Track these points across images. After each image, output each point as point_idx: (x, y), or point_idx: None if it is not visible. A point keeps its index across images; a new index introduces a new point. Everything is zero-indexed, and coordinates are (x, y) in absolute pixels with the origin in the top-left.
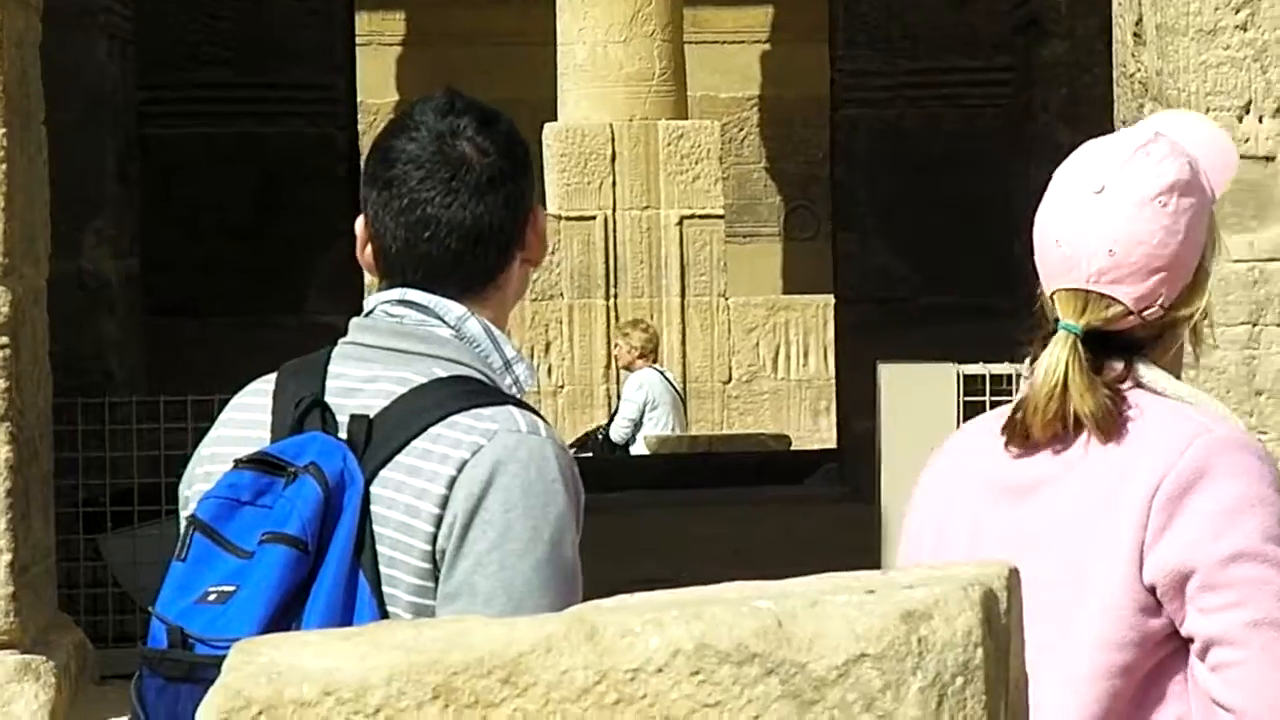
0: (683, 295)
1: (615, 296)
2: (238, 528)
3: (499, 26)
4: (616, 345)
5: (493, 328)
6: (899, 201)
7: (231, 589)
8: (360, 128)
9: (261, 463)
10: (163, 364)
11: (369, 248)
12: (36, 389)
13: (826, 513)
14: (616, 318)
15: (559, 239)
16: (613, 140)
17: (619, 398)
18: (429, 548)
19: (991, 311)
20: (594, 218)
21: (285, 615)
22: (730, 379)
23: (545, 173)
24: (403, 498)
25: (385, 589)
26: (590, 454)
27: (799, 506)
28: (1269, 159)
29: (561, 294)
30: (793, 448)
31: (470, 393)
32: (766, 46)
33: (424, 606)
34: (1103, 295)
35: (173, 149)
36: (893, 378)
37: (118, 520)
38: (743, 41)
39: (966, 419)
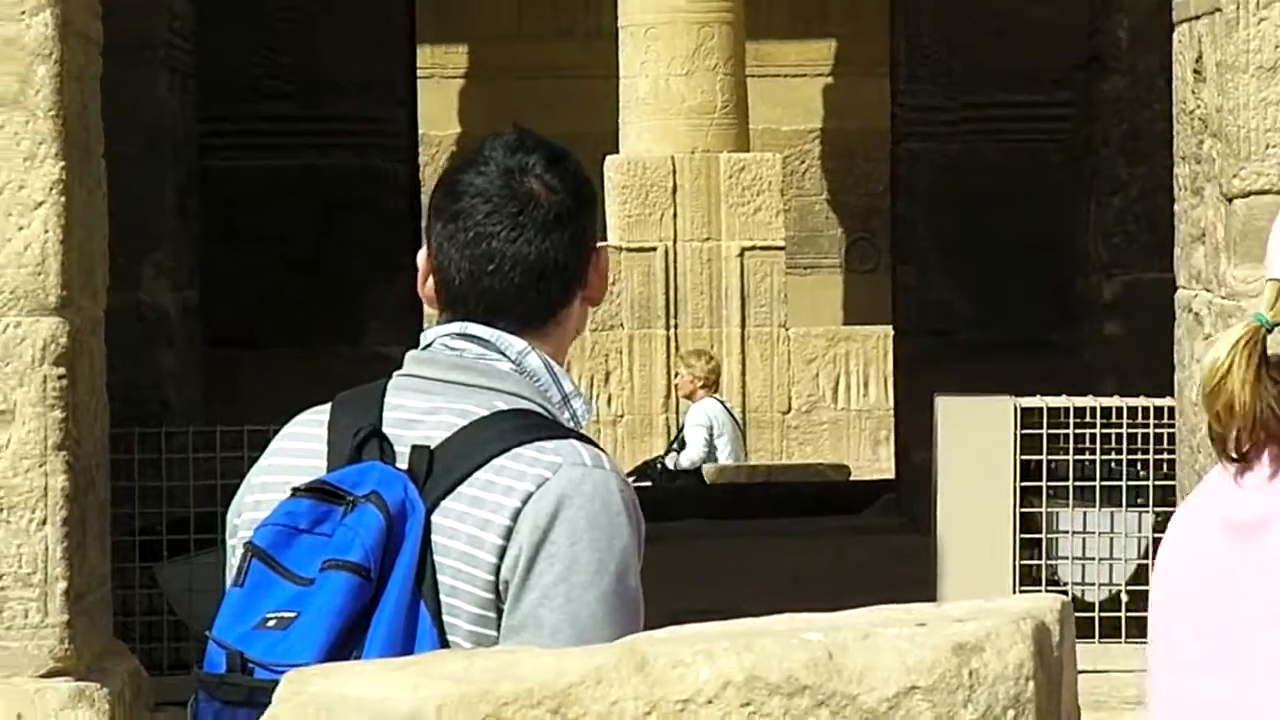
0: (743, 326)
1: (675, 327)
2: (295, 555)
3: (562, 60)
4: (678, 374)
5: (552, 362)
6: (959, 236)
7: (292, 615)
8: (422, 160)
9: (319, 491)
10: (221, 394)
11: (430, 280)
12: (93, 419)
13: (884, 543)
14: (676, 348)
15: (620, 270)
16: (674, 172)
17: (679, 427)
18: (492, 578)
19: (1052, 347)
20: (655, 249)
21: (347, 642)
22: (790, 409)
23: (607, 204)
24: (465, 528)
25: (446, 618)
26: (649, 483)
27: (857, 537)
28: None
29: (622, 324)
30: (852, 478)
31: (533, 425)
32: (829, 80)
33: (484, 636)
34: None
35: (233, 181)
36: (949, 410)
37: (174, 549)
38: (805, 75)
39: (1023, 452)
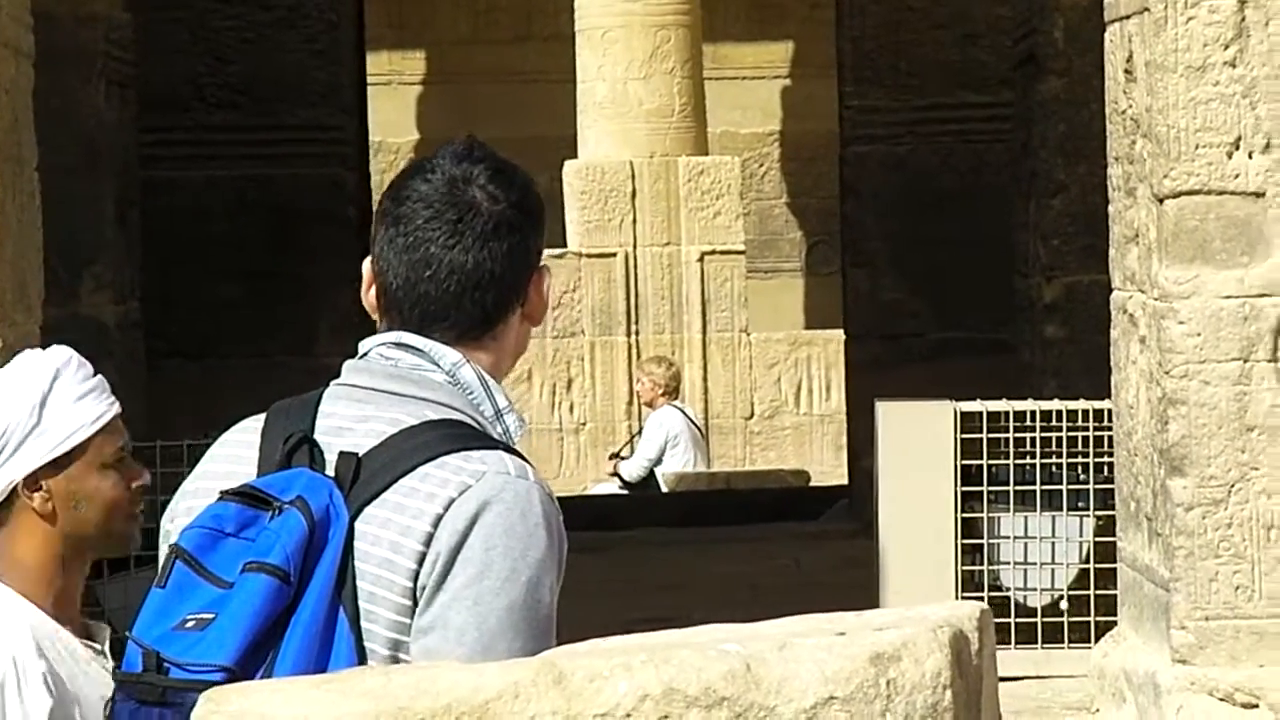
0: (704, 331)
1: (637, 333)
2: (219, 558)
3: (519, 65)
4: (639, 381)
5: (487, 377)
6: (908, 238)
7: (210, 616)
8: (380, 167)
9: (247, 496)
10: (170, 407)
11: (373, 289)
12: None
13: (838, 549)
14: (638, 354)
15: (580, 276)
16: (633, 177)
17: (640, 434)
18: (410, 584)
19: (1002, 347)
20: (615, 254)
21: (263, 645)
22: (753, 415)
23: (566, 210)
24: (387, 534)
25: (364, 624)
26: (621, 484)
27: (813, 543)
28: (1259, 195)
29: (583, 331)
30: (812, 483)
31: (461, 435)
32: (787, 82)
33: (402, 642)
34: None
35: (181, 191)
36: (890, 415)
37: (114, 565)
38: (763, 77)
39: (964, 456)
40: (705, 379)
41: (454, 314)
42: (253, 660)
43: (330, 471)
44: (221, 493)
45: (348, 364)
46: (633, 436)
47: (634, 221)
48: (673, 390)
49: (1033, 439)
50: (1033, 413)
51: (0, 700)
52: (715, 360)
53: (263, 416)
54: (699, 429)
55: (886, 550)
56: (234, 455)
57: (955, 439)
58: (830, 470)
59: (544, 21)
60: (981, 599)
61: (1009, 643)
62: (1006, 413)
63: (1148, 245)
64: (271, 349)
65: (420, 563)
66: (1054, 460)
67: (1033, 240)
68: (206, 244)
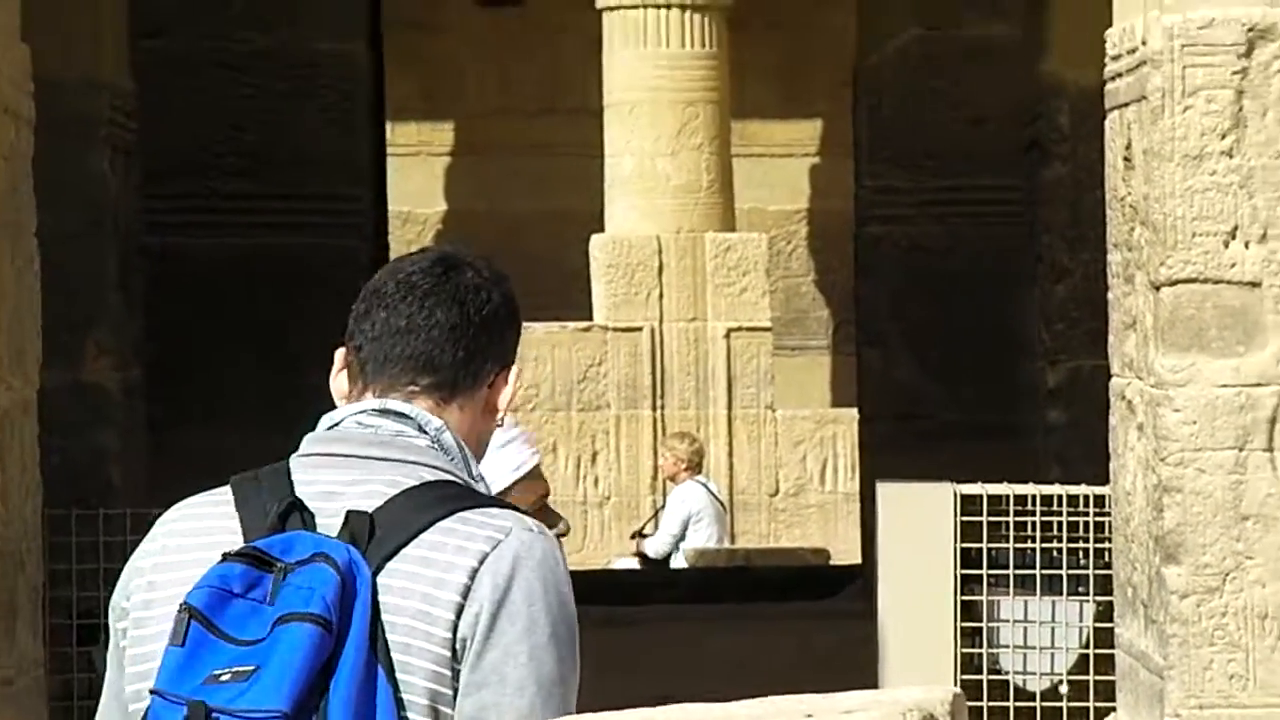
0: (729, 407)
1: (662, 408)
2: (230, 618)
3: (547, 138)
4: (662, 456)
5: (464, 444)
6: (921, 318)
7: (250, 668)
8: (408, 238)
9: (250, 557)
10: (174, 475)
11: (344, 372)
12: (23, 499)
13: (848, 628)
14: (663, 429)
15: (606, 350)
16: (660, 252)
17: (663, 509)
18: (449, 635)
19: (1013, 432)
20: (641, 329)
21: (312, 693)
22: (777, 492)
23: (592, 283)
24: (418, 587)
25: (400, 676)
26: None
27: (824, 622)
28: (1255, 284)
29: (609, 404)
30: (832, 562)
31: (468, 493)
32: (815, 160)
33: (440, 694)
34: None
35: (192, 259)
36: (890, 497)
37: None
38: (791, 155)
39: (964, 539)
40: (730, 455)
41: (429, 372)
42: (304, 707)
43: (330, 534)
44: (225, 555)
45: (313, 436)
46: (656, 512)
47: (660, 296)
48: (696, 465)
49: (1033, 523)
50: (1033, 497)
51: None
52: (740, 436)
53: (220, 492)
54: (722, 504)
55: (886, 631)
56: (203, 528)
57: (955, 522)
58: (853, 549)
59: (572, 95)
60: (981, 682)
61: None
62: (1007, 496)
63: (1145, 332)
64: (280, 419)
65: (458, 614)
66: (1055, 545)
67: (1038, 325)
68: (217, 312)
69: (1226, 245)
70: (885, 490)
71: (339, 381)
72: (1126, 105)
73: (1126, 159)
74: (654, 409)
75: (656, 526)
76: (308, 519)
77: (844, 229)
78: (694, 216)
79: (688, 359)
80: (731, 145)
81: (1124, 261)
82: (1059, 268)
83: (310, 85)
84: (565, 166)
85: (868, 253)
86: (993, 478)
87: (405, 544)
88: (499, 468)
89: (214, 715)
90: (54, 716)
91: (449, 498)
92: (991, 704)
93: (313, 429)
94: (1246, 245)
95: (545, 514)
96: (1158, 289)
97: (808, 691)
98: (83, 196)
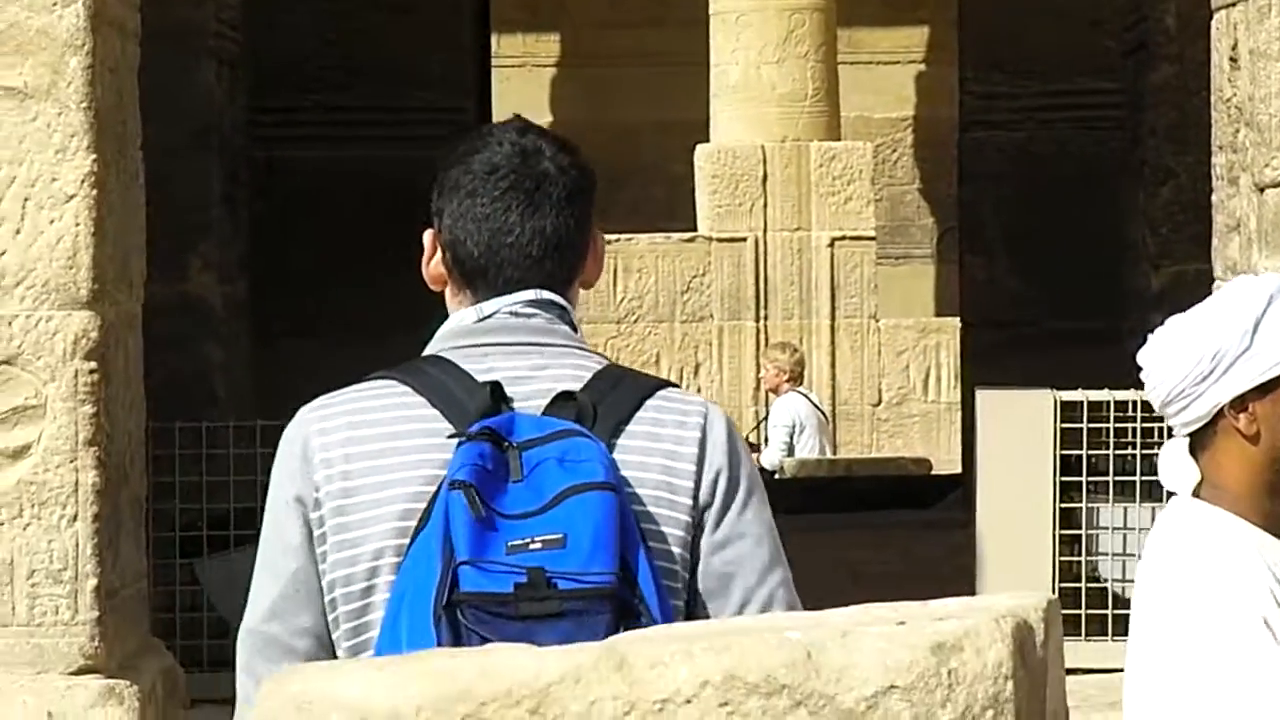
0: (833, 317)
1: (765, 319)
2: (497, 494)
3: (653, 47)
4: (764, 368)
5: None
6: (1025, 225)
7: (559, 536)
8: None
9: (488, 437)
10: (281, 385)
11: (437, 258)
12: (128, 414)
13: (948, 538)
14: (766, 340)
15: (710, 260)
16: (764, 162)
17: (766, 420)
18: (691, 501)
19: (1117, 335)
20: (745, 239)
21: (623, 556)
22: (880, 401)
23: (697, 194)
24: (654, 460)
25: (652, 544)
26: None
27: (924, 531)
28: None
29: (711, 315)
30: (934, 472)
31: (646, 374)
32: (921, 67)
33: (684, 557)
34: None
35: (299, 172)
36: (989, 404)
37: (214, 545)
38: (897, 62)
39: (1063, 446)
40: (833, 365)
41: (537, 277)
42: (625, 571)
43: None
44: (467, 435)
45: (460, 329)
46: (760, 422)
47: (764, 206)
48: (797, 376)
49: (1133, 429)
50: (1134, 402)
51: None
52: (843, 346)
53: (382, 383)
54: (824, 415)
55: (985, 540)
56: (399, 416)
57: (1055, 428)
58: (956, 459)
59: (679, 5)
60: (1080, 590)
61: (1106, 634)
62: (1107, 402)
63: (1249, 235)
64: (387, 329)
65: (697, 482)
66: (1155, 451)
67: (1142, 229)
68: (325, 225)
69: None
70: (985, 397)
71: (433, 267)
72: (1233, 5)
73: (1233, 59)
74: (757, 320)
75: (760, 436)
76: (506, 405)
77: (949, 137)
78: (799, 125)
79: (791, 269)
80: (837, 53)
81: (1228, 164)
82: (1164, 171)
83: None
84: (672, 76)
85: (971, 159)
86: (1097, 385)
87: (626, 420)
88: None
89: (551, 579)
90: (157, 627)
91: (640, 378)
92: (1090, 611)
93: (432, 334)
94: None
95: None
96: (1262, 190)
97: (906, 599)
98: (188, 109)
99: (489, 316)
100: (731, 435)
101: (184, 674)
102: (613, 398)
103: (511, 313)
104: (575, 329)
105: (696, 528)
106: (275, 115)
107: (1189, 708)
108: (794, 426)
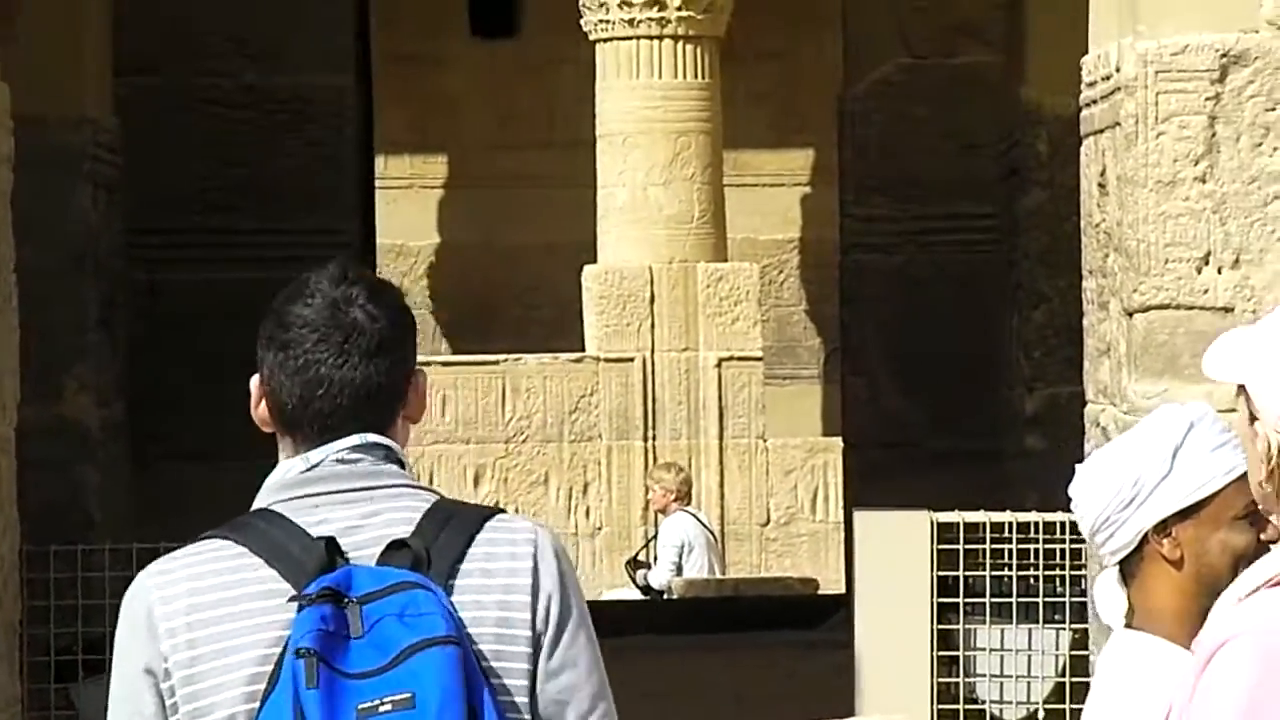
0: (721, 437)
1: (654, 438)
2: (341, 655)
3: (541, 169)
4: (650, 489)
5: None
6: (905, 346)
7: (406, 695)
8: (401, 269)
9: (329, 596)
10: (159, 509)
11: (263, 404)
12: (2, 536)
13: (831, 658)
14: (654, 459)
15: (598, 380)
16: (652, 282)
17: (655, 539)
18: (530, 633)
19: (997, 455)
20: (632, 359)
21: (470, 705)
22: (769, 521)
23: (585, 314)
24: (490, 597)
25: (493, 681)
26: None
27: (808, 651)
28: (1228, 310)
29: (600, 435)
30: (820, 591)
31: (468, 504)
32: (807, 189)
33: (527, 687)
34: None
35: (180, 295)
36: (866, 525)
37: (90, 669)
38: (783, 184)
39: (941, 567)
40: (722, 485)
41: (353, 425)
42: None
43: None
44: (304, 597)
45: (288, 480)
46: (648, 541)
47: (652, 327)
48: (684, 495)
49: (1009, 550)
50: (1010, 524)
51: None
52: (732, 466)
53: (215, 544)
54: (712, 534)
55: (864, 660)
56: (238, 579)
57: (932, 549)
58: (842, 578)
59: (566, 127)
60: (957, 711)
61: None
62: (984, 523)
63: (1119, 359)
64: (266, 452)
65: (533, 613)
66: (1032, 572)
67: (1017, 351)
68: (205, 347)
69: (1199, 271)
70: (862, 518)
71: (260, 411)
72: (1101, 131)
73: (1101, 185)
74: (645, 439)
75: (650, 555)
76: (341, 558)
77: (833, 258)
78: (686, 246)
79: (679, 389)
80: (724, 175)
81: (1098, 288)
82: (1037, 295)
83: (298, 120)
84: (559, 198)
85: (852, 281)
86: (976, 505)
87: (460, 559)
88: (1206, 471)
89: None
90: None
91: (467, 510)
92: None
93: (263, 479)
94: (1219, 271)
95: (1255, 520)
96: (1131, 315)
97: None
98: (64, 233)
99: (315, 466)
100: (560, 559)
101: None
102: (444, 538)
103: (338, 459)
104: (404, 465)
105: (534, 656)
106: (159, 237)
107: None
108: (683, 546)
